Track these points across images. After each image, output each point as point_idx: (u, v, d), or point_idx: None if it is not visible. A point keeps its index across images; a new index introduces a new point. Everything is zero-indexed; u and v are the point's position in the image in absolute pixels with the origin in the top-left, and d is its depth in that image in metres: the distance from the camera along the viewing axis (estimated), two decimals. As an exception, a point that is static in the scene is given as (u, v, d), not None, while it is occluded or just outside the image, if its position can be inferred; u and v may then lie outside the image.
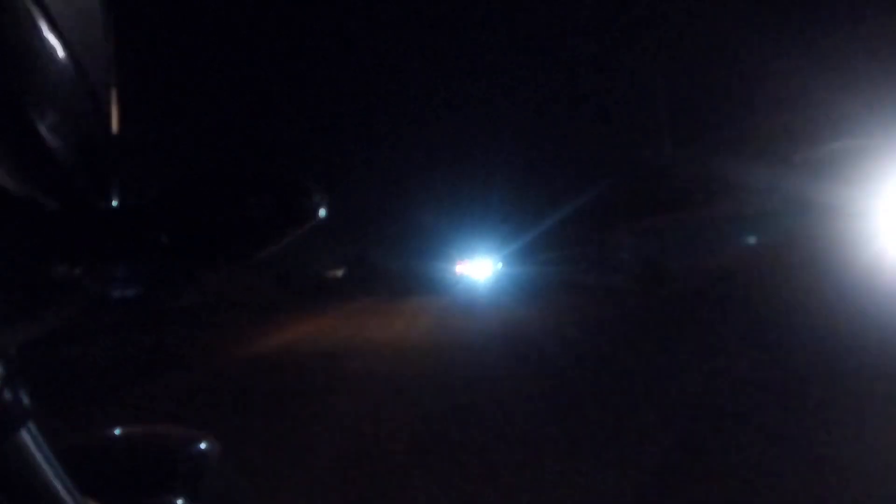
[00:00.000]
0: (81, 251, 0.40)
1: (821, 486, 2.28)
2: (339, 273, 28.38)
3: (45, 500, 0.44)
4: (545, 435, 3.22)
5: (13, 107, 0.34)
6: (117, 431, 0.91)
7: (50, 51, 0.37)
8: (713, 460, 2.63)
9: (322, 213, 0.45)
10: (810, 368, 4.10)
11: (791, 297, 7.00)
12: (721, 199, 11.00)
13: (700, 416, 3.30)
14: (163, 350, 7.16)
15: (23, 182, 0.37)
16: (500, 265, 39.04)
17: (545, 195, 35.13)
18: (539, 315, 9.76)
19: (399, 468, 2.83)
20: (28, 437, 0.44)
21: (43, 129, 0.36)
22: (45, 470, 0.45)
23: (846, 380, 3.66)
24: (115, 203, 0.47)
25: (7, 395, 0.41)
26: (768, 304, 7.36)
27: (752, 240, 10.18)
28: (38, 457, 0.44)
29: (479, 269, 35.34)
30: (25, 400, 0.43)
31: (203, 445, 0.88)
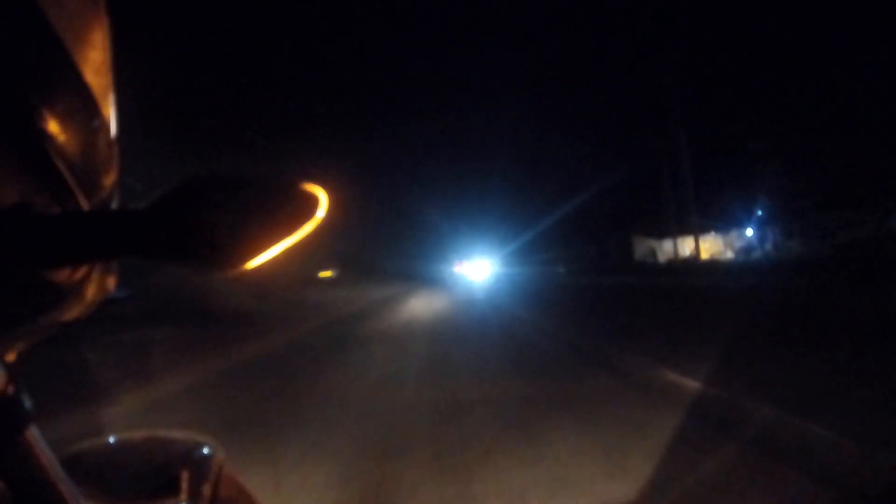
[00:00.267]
0: (82, 255, 0.41)
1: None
2: (332, 274, 28.28)
3: (49, 499, 0.45)
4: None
5: (13, 111, 0.35)
6: (121, 437, 0.91)
7: (49, 55, 0.37)
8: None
9: (321, 213, 0.45)
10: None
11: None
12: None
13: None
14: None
15: (23, 186, 0.37)
16: (498, 266, 38.95)
17: (544, 196, 35.12)
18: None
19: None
20: (31, 440, 0.44)
21: (42, 134, 0.36)
22: (48, 470, 0.45)
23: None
24: (114, 207, 0.47)
25: (10, 398, 0.42)
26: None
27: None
28: (41, 458, 0.45)
29: (478, 269, 35.34)
30: (28, 403, 0.43)
31: (206, 450, 0.88)
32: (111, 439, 0.91)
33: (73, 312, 0.45)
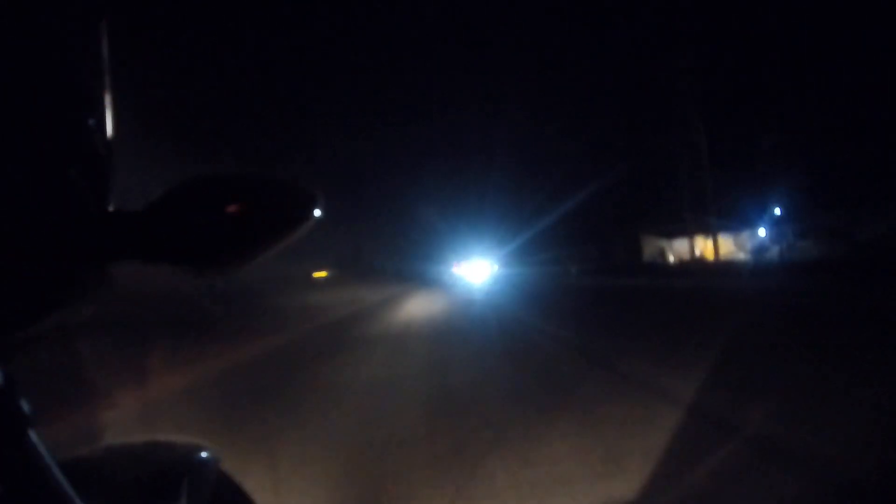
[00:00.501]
0: (80, 257, 0.41)
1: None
2: (326, 274, 28.15)
3: (49, 503, 0.45)
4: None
5: (13, 114, 0.35)
6: (120, 442, 0.92)
7: (46, 55, 0.37)
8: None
9: (317, 213, 0.45)
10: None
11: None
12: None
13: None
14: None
15: (20, 188, 0.37)
16: (496, 267, 38.86)
17: (546, 194, 34.64)
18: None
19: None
20: (30, 444, 0.44)
21: (39, 135, 0.36)
22: (47, 475, 0.45)
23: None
24: (111, 208, 0.47)
25: (9, 402, 0.42)
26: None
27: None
28: (40, 462, 0.45)
29: (477, 270, 35.24)
30: (27, 407, 0.44)
31: (204, 455, 0.88)
32: (110, 444, 0.91)
33: (69, 315, 0.45)
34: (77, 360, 5.92)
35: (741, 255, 27.77)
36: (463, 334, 8.72)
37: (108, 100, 0.46)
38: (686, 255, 28.88)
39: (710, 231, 26.95)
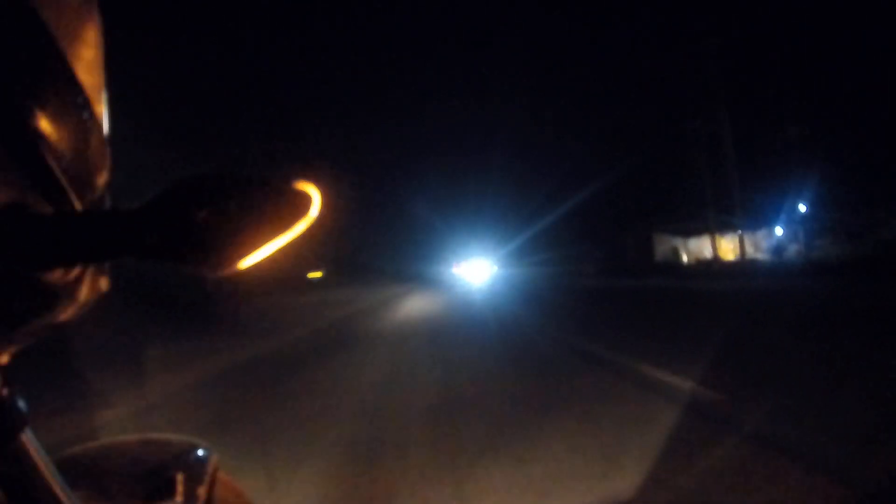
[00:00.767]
0: (74, 256, 0.41)
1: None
2: (322, 275, 27.89)
3: (44, 503, 0.45)
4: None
5: (4, 109, 0.35)
6: (116, 440, 0.92)
7: (41, 53, 0.37)
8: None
9: (314, 212, 0.45)
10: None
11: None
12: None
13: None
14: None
15: (14, 186, 0.37)
16: (499, 267, 38.76)
17: (547, 192, 33.88)
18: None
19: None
20: (25, 442, 0.44)
21: (34, 132, 0.37)
22: (43, 473, 0.45)
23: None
24: (107, 207, 0.48)
25: (4, 400, 0.42)
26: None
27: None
28: (36, 461, 0.45)
29: (478, 270, 35.17)
30: (23, 405, 0.44)
31: (200, 453, 0.89)
32: (106, 442, 0.91)
33: (65, 314, 0.45)
34: (72, 359, 5.93)
35: (755, 255, 26.35)
36: (462, 336, 8.68)
37: (104, 97, 0.46)
38: (703, 255, 27.24)
39: (732, 229, 25.22)
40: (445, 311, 14.04)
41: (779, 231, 25.65)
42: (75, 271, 0.43)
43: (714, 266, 24.50)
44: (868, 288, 10.81)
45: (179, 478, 0.80)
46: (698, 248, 29.42)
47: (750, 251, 26.44)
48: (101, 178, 0.47)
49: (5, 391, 0.43)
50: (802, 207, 24.21)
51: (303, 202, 0.45)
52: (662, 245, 31.09)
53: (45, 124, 0.36)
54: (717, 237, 26.28)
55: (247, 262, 0.46)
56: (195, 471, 0.84)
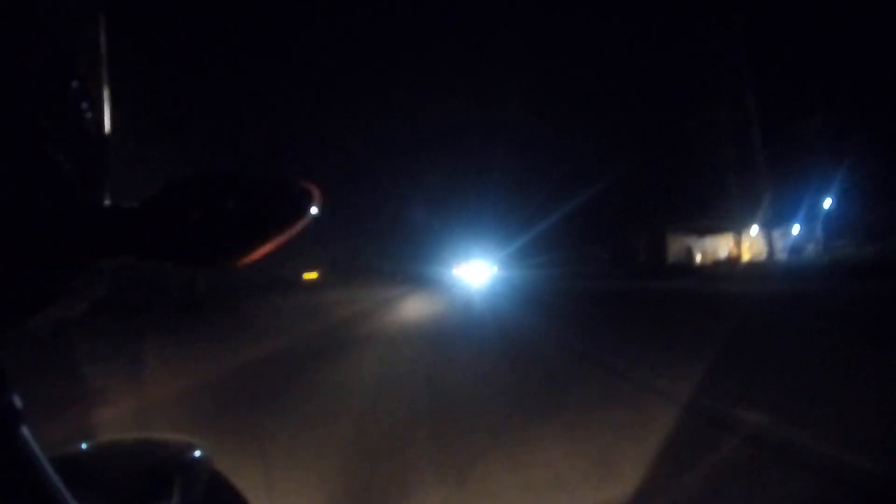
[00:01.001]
0: (75, 253, 0.41)
1: None
2: (318, 275, 27.54)
3: (40, 501, 0.45)
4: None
5: (8, 107, 0.35)
6: (113, 439, 0.92)
7: (44, 50, 0.37)
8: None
9: (313, 210, 0.45)
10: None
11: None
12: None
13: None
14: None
15: (17, 183, 0.37)
16: (500, 268, 38.73)
17: (542, 197, 33.53)
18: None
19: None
20: (22, 441, 0.44)
21: (36, 129, 0.37)
22: (39, 472, 0.45)
23: None
24: (108, 203, 0.48)
25: (1, 397, 0.42)
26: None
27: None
28: (33, 460, 0.45)
29: (478, 271, 35.13)
30: (18, 403, 0.44)
31: (197, 453, 0.89)
32: (103, 441, 0.91)
33: (64, 312, 0.45)
34: (70, 356, 5.92)
35: (778, 255, 24.80)
36: (461, 339, 8.65)
37: (105, 95, 0.46)
38: (718, 255, 26.09)
39: (748, 228, 24.10)
40: (445, 313, 14.03)
41: (796, 229, 24.34)
42: (74, 269, 0.43)
43: (734, 267, 23.28)
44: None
45: (177, 478, 0.80)
46: (713, 247, 28.17)
47: (768, 250, 25.17)
48: (102, 175, 0.47)
49: (1, 388, 0.43)
50: (827, 203, 22.78)
51: (302, 200, 0.46)
52: (675, 245, 29.60)
53: (46, 120, 0.36)
54: (735, 236, 25.23)
55: (244, 260, 0.46)
56: (193, 470, 0.84)
